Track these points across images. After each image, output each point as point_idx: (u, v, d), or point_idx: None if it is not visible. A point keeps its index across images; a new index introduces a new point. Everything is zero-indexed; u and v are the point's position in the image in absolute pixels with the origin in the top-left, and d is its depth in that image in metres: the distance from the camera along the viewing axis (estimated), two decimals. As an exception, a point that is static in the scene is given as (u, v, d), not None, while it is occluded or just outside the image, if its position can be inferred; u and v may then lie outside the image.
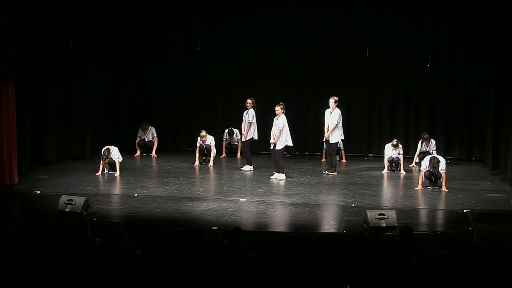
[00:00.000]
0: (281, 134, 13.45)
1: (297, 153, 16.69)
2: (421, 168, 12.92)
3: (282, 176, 13.48)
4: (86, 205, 10.67)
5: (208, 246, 6.67)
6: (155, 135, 16.33)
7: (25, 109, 13.69)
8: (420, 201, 12.03)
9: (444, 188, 12.52)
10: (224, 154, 16.09)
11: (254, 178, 13.78)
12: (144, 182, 13.24)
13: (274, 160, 13.63)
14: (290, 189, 12.75)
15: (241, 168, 14.45)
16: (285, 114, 13.64)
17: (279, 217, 10.98)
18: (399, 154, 14.35)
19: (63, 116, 15.36)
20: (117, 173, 13.76)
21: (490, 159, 14.41)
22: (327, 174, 13.98)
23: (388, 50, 16.09)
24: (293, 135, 16.69)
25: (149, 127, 16.31)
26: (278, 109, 13.56)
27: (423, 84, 16.17)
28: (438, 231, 10.03)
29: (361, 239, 7.29)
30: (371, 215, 9.93)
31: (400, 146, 14.38)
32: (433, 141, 14.97)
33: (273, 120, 13.74)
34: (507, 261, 6.05)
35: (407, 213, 11.07)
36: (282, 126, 13.45)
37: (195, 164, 14.97)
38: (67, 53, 14.95)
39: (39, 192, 12.27)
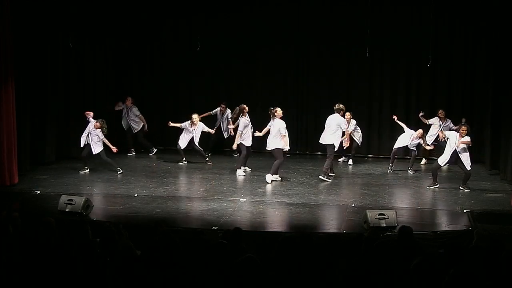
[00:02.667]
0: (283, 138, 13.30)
1: (297, 152, 16.68)
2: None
3: (269, 177, 13.31)
4: (86, 205, 10.67)
5: (208, 246, 6.67)
6: (137, 113, 16.22)
7: (25, 109, 13.69)
8: (420, 201, 12.03)
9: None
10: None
11: (254, 178, 13.76)
12: (144, 182, 13.25)
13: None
14: (290, 189, 12.74)
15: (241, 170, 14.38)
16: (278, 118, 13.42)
17: (279, 217, 10.98)
18: (415, 146, 14.25)
19: (63, 116, 15.36)
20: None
21: (489, 159, 14.41)
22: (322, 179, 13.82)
23: (388, 50, 16.09)
24: (293, 134, 16.76)
25: (131, 105, 16.15)
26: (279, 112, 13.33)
27: (423, 84, 16.16)
28: (438, 231, 10.03)
29: (361, 239, 7.29)
30: (371, 215, 9.93)
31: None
32: (449, 120, 15.13)
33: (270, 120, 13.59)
34: (507, 261, 6.05)
35: (407, 213, 11.08)
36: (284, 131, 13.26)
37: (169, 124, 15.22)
38: (67, 53, 14.96)
39: (39, 192, 12.27)
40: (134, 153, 16.49)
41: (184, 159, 15.26)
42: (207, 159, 15.26)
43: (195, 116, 15.15)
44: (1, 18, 12.19)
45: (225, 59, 16.90)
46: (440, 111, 15.14)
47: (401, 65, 16.30)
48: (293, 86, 16.86)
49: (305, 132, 16.76)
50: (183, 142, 15.20)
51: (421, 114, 15.41)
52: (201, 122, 15.26)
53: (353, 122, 15.24)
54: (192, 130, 15.12)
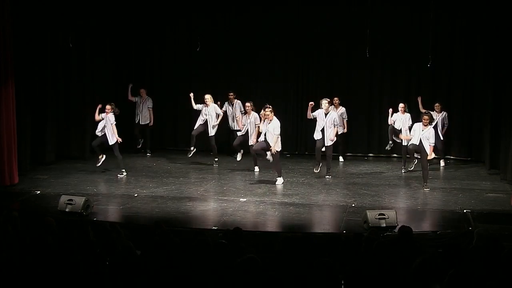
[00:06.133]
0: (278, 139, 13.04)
1: (297, 153, 16.69)
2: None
3: (280, 180, 13.14)
4: (86, 205, 10.69)
5: (208, 246, 6.67)
6: (150, 106, 16.16)
7: (25, 109, 13.70)
8: (420, 201, 12.02)
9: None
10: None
11: (254, 178, 13.75)
12: (144, 182, 13.25)
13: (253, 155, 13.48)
14: (290, 189, 12.74)
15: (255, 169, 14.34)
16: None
17: (279, 217, 10.98)
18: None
19: (63, 116, 15.37)
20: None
21: (489, 159, 14.41)
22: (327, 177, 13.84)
23: (388, 50, 16.08)
24: (293, 135, 16.78)
25: (147, 97, 16.10)
26: (268, 112, 12.90)
27: (423, 84, 16.15)
28: (438, 231, 10.03)
29: (361, 239, 7.29)
30: (371, 215, 9.94)
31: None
32: (445, 113, 14.92)
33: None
34: (507, 261, 6.05)
35: (407, 213, 11.08)
36: (279, 132, 12.91)
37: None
38: (67, 53, 14.96)
39: (39, 192, 12.27)
40: (149, 154, 16.33)
41: (192, 147, 14.69)
42: (216, 159, 14.96)
43: (207, 96, 14.77)
44: (1, 18, 12.20)
45: (225, 59, 16.88)
46: (436, 104, 14.91)
47: (401, 65, 16.29)
48: (293, 86, 16.85)
49: (304, 132, 16.73)
50: (196, 128, 14.79)
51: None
52: (214, 104, 14.85)
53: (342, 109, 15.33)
54: (206, 113, 14.76)
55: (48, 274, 6.10)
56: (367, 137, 16.58)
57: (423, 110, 14.22)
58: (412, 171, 14.16)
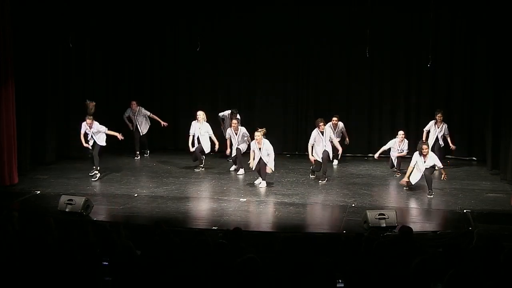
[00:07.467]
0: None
1: (297, 153, 16.67)
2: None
3: (264, 183, 13.05)
4: (86, 205, 10.69)
5: (208, 246, 6.67)
6: (148, 113, 15.82)
7: (25, 109, 13.71)
8: (420, 201, 12.03)
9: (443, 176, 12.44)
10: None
11: (254, 178, 13.74)
12: (144, 182, 13.25)
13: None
14: (290, 189, 12.74)
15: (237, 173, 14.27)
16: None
17: (279, 217, 10.98)
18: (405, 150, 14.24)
19: (63, 116, 15.37)
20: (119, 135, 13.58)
21: (489, 159, 14.41)
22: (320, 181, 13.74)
23: (388, 50, 16.07)
24: (293, 135, 16.78)
25: (138, 107, 15.70)
26: (258, 135, 12.83)
27: (423, 84, 16.15)
28: (438, 231, 10.04)
29: (361, 239, 7.29)
30: (371, 215, 9.94)
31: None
32: (445, 125, 14.71)
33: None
34: (507, 261, 6.05)
35: (407, 213, 11.08)
36: (272, 150, 13.00)
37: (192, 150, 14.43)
38: (67, 53, 14.96)
39: (39, 192, 12.28)
40: (139, 157, 15.96)
41: (203, 157, 14.54)
42: (202, 165, 14.61)
43: (200, 113, 14.55)
44: (1, 18, 12.20)
45: (225, 59, 16.87)
46: (439, 115, 14.61)
47: (401, 65, 16.27)
48: (293, 85, 16.83)
49: (304, 132, 16.72)
50: (197, 146, 14.43)
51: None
52: (207, 124, 14.61)
53: (340, 124, 15.30)
54: (199, 131, 14.51)
55: (48, 274, 6.09)
56: (367, 137, 16.56)
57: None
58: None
